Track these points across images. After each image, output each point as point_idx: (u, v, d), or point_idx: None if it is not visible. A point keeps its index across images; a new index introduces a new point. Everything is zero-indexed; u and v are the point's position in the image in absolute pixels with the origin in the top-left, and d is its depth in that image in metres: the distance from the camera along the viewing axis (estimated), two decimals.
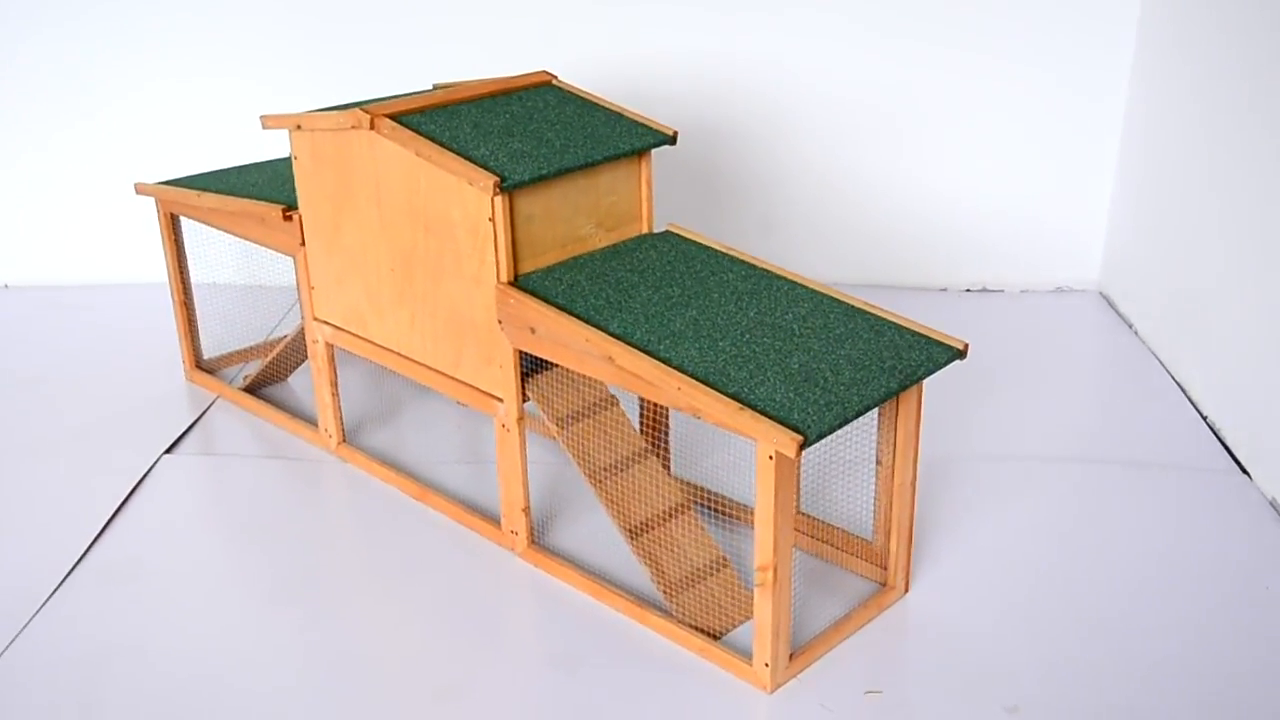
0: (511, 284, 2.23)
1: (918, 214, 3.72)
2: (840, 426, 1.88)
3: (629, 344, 2.04)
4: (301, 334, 2.89)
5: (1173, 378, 3.15)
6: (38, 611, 2.28)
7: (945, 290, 3.78)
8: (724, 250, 2.39)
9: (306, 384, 3.16)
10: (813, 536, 2.42)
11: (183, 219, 3.06)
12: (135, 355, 3.37)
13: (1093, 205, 3.67)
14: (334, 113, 2.39)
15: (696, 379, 1.96)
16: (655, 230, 2.48)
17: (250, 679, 2.11)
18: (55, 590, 2.34)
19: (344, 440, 2.82)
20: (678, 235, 2.45)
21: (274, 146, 3.42)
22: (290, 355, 3.03)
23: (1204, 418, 2.94)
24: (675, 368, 1.98)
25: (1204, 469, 2.71)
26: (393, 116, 2.30)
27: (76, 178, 3.85)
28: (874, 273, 3.76)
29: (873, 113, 3.62)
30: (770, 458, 1.88)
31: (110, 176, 3.81)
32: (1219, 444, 2.81)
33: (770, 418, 1.86)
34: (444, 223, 2.28)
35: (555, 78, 2.57)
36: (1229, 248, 2.90)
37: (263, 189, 2.86)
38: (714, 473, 2.67)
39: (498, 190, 2.13)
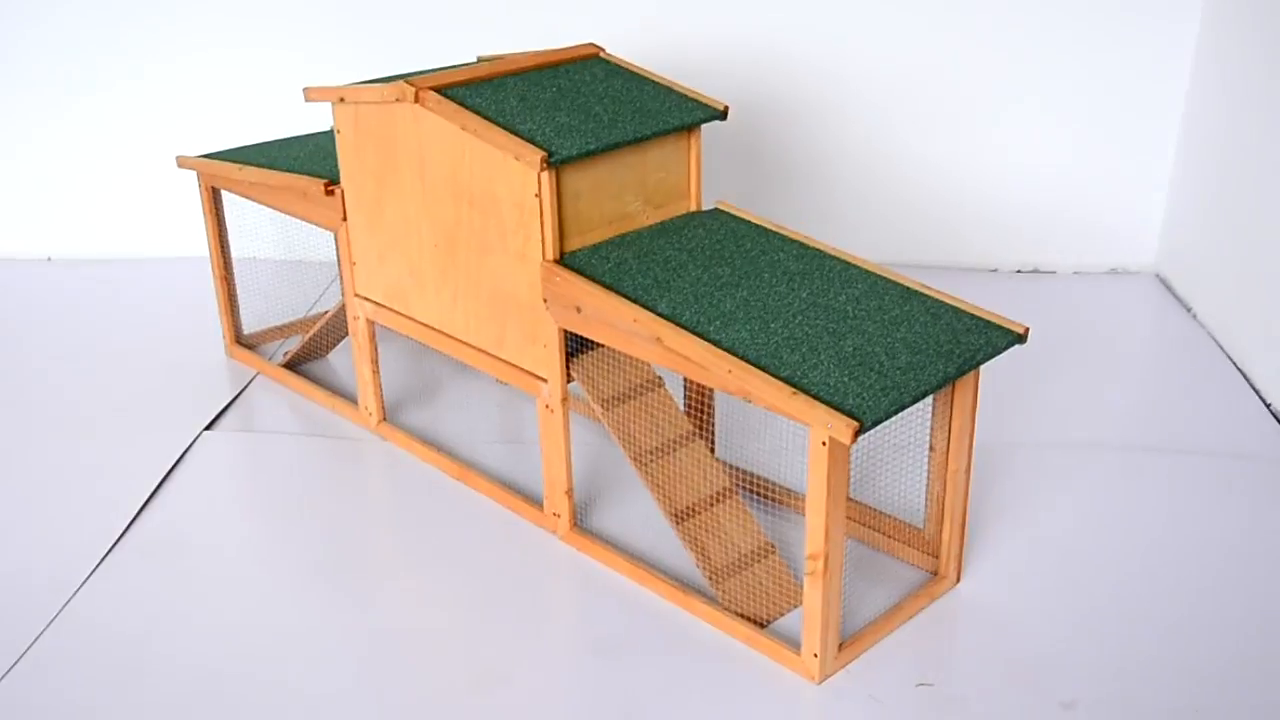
0: (557, 262, 2.18)
1: (968, 193, 3.64)
2: (897, 413, 1.82)
3: (678, 325, 1.99)
4: (342, 310, 2.85)
5: (1234, 363, 3.06)
6: (80, 588, 2.26)
7: (996, 271, 3.69)
8: (775, 229, 2.33)
9: (346, 361, 3.13)
10: (860, 523, 2.36)
11: (224, 192, 3.03)
12: (175, 330, 3.35)
13: (1150, 184, 3.57)
14: (378, 85, 2.34)
15: (748, 362, 1.90)
16: (704, 208, 2.42)
17: (289, 660, 2.08)
18: (97, 567, 2.33)
19: (384, 418, 2.78)
20: (727, 213, 2.39)
21: (316, 119, 3.38)
22: (330, 331, 2.99)
23: (1268, 405, 2.85)
24: (726, 350, 1.93)
25: (1269, 459, 2.63)
26: (437, 89, 2.25)
27: (118, 150, 3.83)
28: (923, 253, 3.68)
29: (924, 90, 3.54)
30: (823, 444, 1.82)
31: (152, 149, 3.78)
32: None
33: (824, 403, 1.80)
34: (489, 198, 2.23)
35: (602, 50, 2.51)
36: None
37: (304, 163, 2.82)
38: (759, 456, 2.62)
39: (545, 165, 2.08)
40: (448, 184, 2.30)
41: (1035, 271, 3.69)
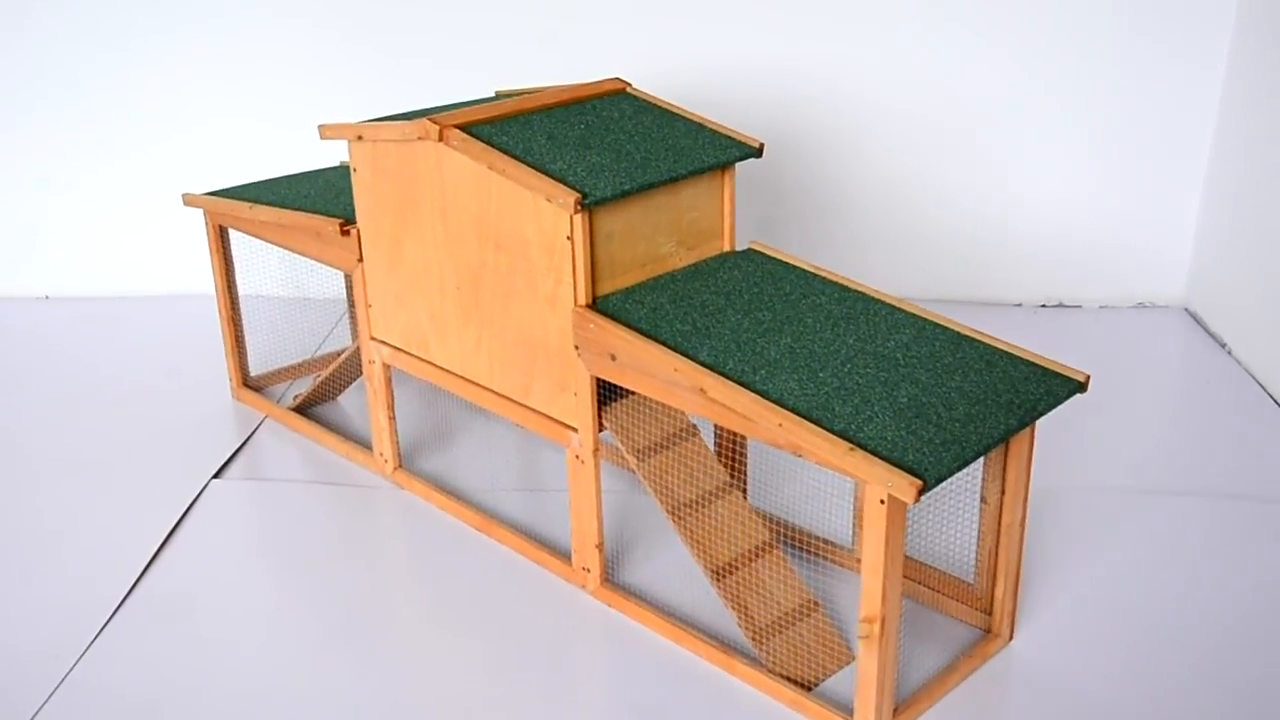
0: (590, 307, 2.08)
1: (991, 227, 3.55)
2: (960, 469, 1.72)
3: (722, 374, 1.89)
4: (356, 353, 2.75)
5: (1275, 401, 2.97)
6: (85, 651, 2.14)
7: (1020, 305, 3.60)
8: (813, 270, 2.24)
9: (356, 404, 3.02)
10: (906, 577, 2.26)
11: (232, 231, 2.93)
12: (179, 371, 3.24)
13: (1179, 216, 3.49)
14: (398, 123, 2.24)
15: (798, 414, 1.80)
16: (737, 248, 2.33)
17: None
18: (101, 630, 2.21)
19: (400, 465, 2.67)
20: (762, 254, 2.30)
21: (323, 155, 3.28)
22: (343, 374, 2.89)
23: None
24: (774, 401, 1.83)
25: None
26: (462, 127, 2.16)
27: (114, 184, 3.72)
28: (945, 287, 3.59)
29: (948, 123, 3.45)
30: (881, 502, 1.72)
31: (149, 183, 3.69)
32: None
33: (884, 459, 1.70)
34: (517, 240, 2.13)
35: (629, 85, 2.42)
36: None
37: (316, 201, 2.72)
38: (792, 503, 2.51)
39: (579, 207, 1.98)
40: (472, 225, 2.20)
41: (1060, 306, 3.60)
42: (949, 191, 3.53)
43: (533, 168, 2.06)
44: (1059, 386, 1.91)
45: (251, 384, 3.09)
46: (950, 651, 2.11)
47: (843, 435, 1.76)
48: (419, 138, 2.19)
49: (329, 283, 3.55)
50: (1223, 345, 3.29)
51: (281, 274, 3.48)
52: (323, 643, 2.17)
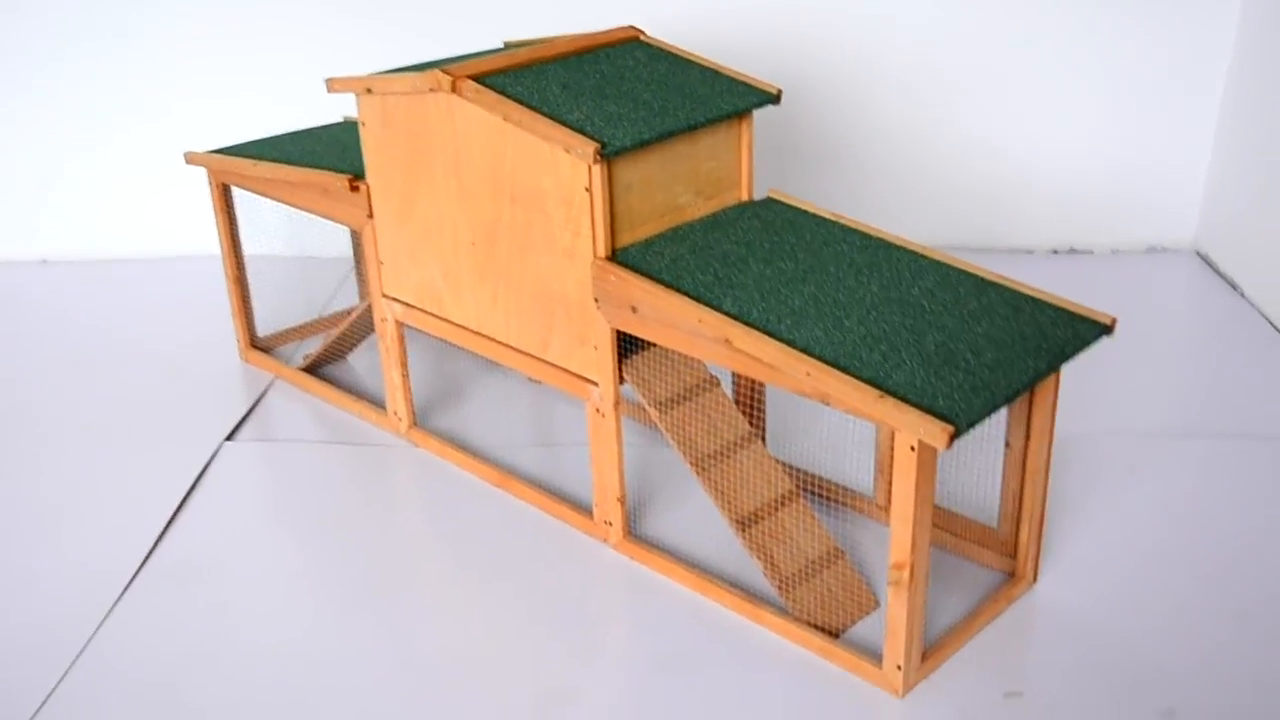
0: (609, 259, 2.05)
1: (1001, 173, 3.53)
2: (990, 414, 1.71)
3: (747, 324, 1.87)
4: (367, 311, 2.72)
5: None
6: (105, 618, 2.13)
7: (1031, 252, 3.59)
8: (834, 218, 2.21)
9: (366, 362, 3.00)
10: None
11: (235, 189, 2.90)
12: (183, 333, 3.22)
13: (1190, 160, 3.47)
14: (409, 75, 2.21)
15: (826, 362, 1.78)
16: (755, 197, 2.30)
17: (336, 687, 1.96)
18: (121, 596, 2.19)
19: (415, 423, 2.66)
20: (781, 202, 2.28)
21: (328, 111, 3.25)
22: (353, 333, 2.86)
23: None
24: (801, 350, 1.81)
25: None
26: (475, 78, 2.12)
27: (111, 144, 3.68)
28: (956, 234, 3.57)
29: (957, 71, 3.42)
30: (912, 449, 1.71)
31: (146, 143, 3.64)
32: None
33: (914, 405, 1.69)
34: (533, 193, 2.10)
35: (642, 33, 2.38)
36: None
37: (322, 157, 2.69)
38: (809, 452, 2.51)
39: (598, 157, 1.95)
40: (487, 178, 2.17)
41: (1072, 251, 3.59)
42: (960, 139, 3.49)
43: (549, 118, 2.03)
44: (1085, 330, 1.90)
45: (259, 345, 3.06)
46: (974, 596, 2.11)
47: (871, 383, 1.74)
48: (431, 90, 2.16)
49: (333, 240, 3.52)
50: (1234, 286, 3.28)
51: (285, 233, 3.45)
52: (345, 603, 2.16)
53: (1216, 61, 3.35)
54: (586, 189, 2.01)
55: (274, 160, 2.71)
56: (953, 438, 1.64)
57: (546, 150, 2.04)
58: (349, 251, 3.56)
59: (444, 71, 2.12)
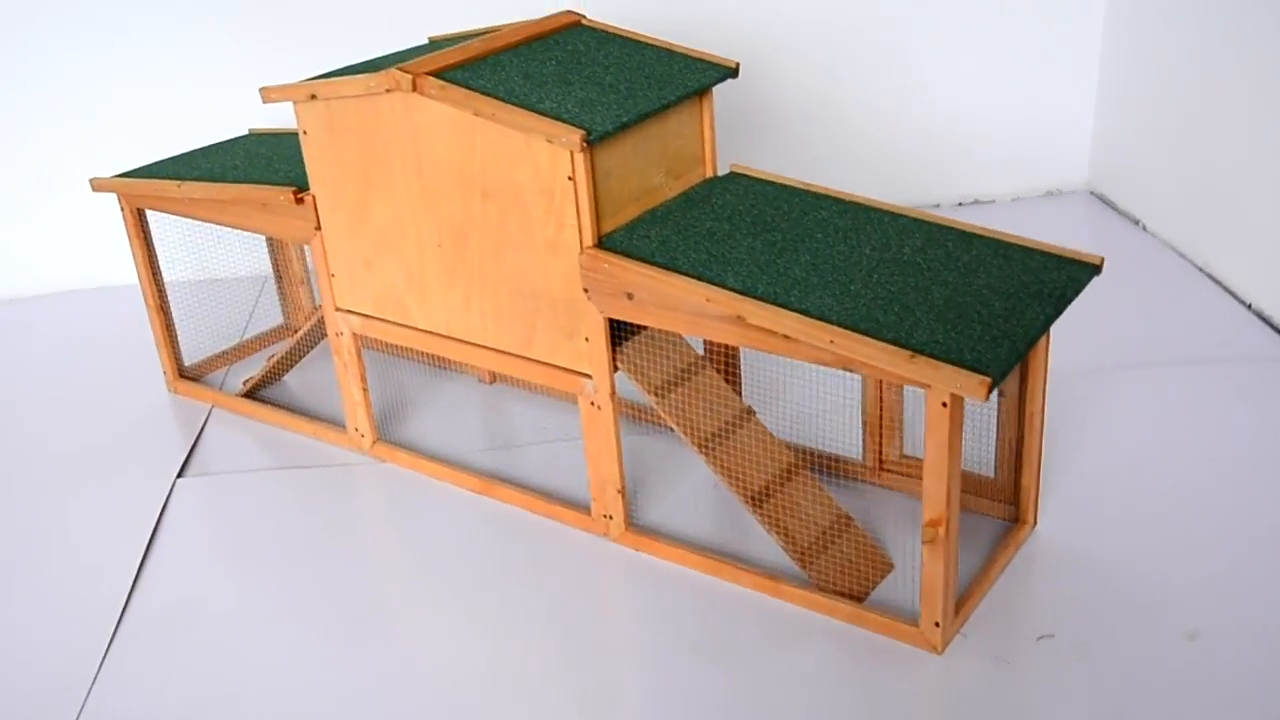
0: (596, 247, 2.01)
1: (902, 130, 3.59)
2: (1018, 361, 1.73)
3: (758, 299, 1.85)
4: (316, 327, 2.62)
5: (1201, 270, 3.10)
6: (97, 674, 2.00)
7: (939, 206, 3.67)
8: (804, 187, 2.22)
9: (302, 381, 2.88)
10: (920, 478, 2.28)
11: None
12: (100, 369, 3.04)
13: (1077, 103, 3.59)
14: (359, 76, 2.12)
15: (846, 328, 1.78)
16: (719, 173, 2.29)
17: None
18: (109, 647, 2.07)
19: (378, 439, 2.57)
20: (747, 176, 2.27)
21: (214, 129, 3.11)
22: (296, 352, 2.75)
23: (1248, 306, 2.89)
24: (818, 319, 1.81)
25: (1272, 358, 2.66)
26: (433, 74, 2.05)
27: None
28: (866, 193, 3.60)
29: (851, 30, 3.46)
30: (944, 404, 1.73)
31: (19, 175, 3.43)
32: (1274, 331, 2.77)
33: (946, 361, 1.70)
34: (508, 187, 2.04)
35: (584, 16, 2.34)
36: (1242, 128, 2.84)
37: (246, 172, 2.57)
38: (787, 424, 2.51)
39: (584, 145, 1.91)
40: (453, 176, 2.11)
41: (976, 203, 3.68)
42: (859, 101, 3.54)
43: (523, 108, 1.97)
44: (1078, 272, 1.94)
45: (187, 374, 2.91)
46: (982, 546, 2.15)
47: (896, 343, 1.75)
48: (387, 90, 2.08)
49: (240, 260, 3.37)
50: (1136, 222, 3.41)
51: (187, 256, 3.29)
52: (350, 633, 2.07)
53: (1094, 6, 3.47)
54: (570, 178, 1.96)
55: (194, 179, 2.58)
56: (990, 389, 1.66)
57: (522, 142, 1.98)
58: (258, 271, 3.42)
59: (402, 69, 2.04)
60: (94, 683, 1.99)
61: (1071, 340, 2.80)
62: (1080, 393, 2.58)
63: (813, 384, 2.56)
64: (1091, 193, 3.67)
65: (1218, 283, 3.02)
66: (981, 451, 2.24)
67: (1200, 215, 3.09)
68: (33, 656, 2.06)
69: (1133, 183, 3.44)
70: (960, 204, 3.67)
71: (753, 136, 3.54)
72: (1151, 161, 3.32)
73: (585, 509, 2.28)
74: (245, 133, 3.00)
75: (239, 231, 3.05)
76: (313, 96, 2.20)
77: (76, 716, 1.92)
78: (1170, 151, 3.22)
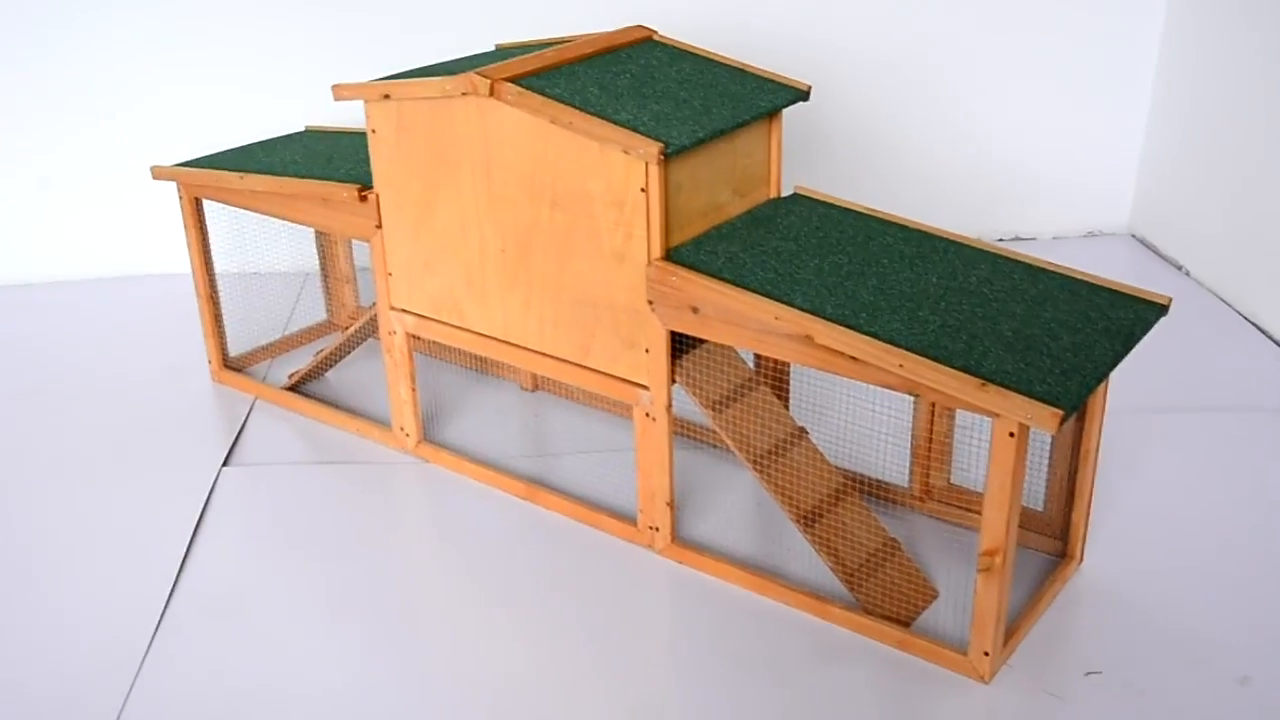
0: (665, 260, 2.02)
1: (946, 164, 3.61)
2: (1087, 396, 1.74)
3: (827, 319, 1.86)
4: (368, 324, 2.63)
5: (1248, 319, 3.11)
6: (143, 660, 2.00)
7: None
8: (868, 211, 2.23)
9: (344, 377, 2.89)
10: (967, 509, 2.29)
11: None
12: (144, 357, 3.05)
13: (1123, 145, 3.61)
14: (435, 79, 2.14)
15: (915, 353, 1.79)
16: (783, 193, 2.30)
17: None
18: (155, 632, 2.07)
19: (423, 439, 2.58)
20: (810, 198, 2.28)
21: (275, 122, 3.13)
22: (345, 348, 2.76)
23: None
24: (887, 342, 1.81)
25: None
26: (511, 80, 2.06)
27: (50, 166, 3.47)
28: None
29: (902, 63, 3.48)
30: (1010, 435, 1.73)
31: (82, 161, 3.45)
32: None
33: (1017, 391, 1.71)
34: (578, 195, 2.06)
35: (655, 32, 2.36)
36: None
37: (306, 167, 2.58)
38: (824, 445, 2.51)
39: (662, 158, 1.92)
40: (523, 183, 2.12)
41: (1016, 239, 3.69)
42: (908, 135, 3.56)
43: (600, 118, 1.98)
44: (1146, 311, 1.95)
45: (231, 365, 2.92)
46: (1029, 579, 2.15)
47: (965, 371, 1.76)
48: (464, 93, 2.09)
49: (281, 255, 3.38)
50: (1179, 267, 3.42)
51: (232, 249, 3.31)
52: (397, 632, 2.07)
53: (1146, 51, 3.49)
54: (643, 189, 1.97)
55: (254, 172, 2.60)
56: (1062, 421, 1.67)
57: (596, 151, 2.00)
58: (300, 266, 3.43)
59: (480, 74, 2.06)
60: (140, 667, 1.99)
61: (1115, 379, 2.81)
62: (1124, 432, 2.59)
63: (859, 406, 2.56)
64: (1133, 235, 3.68)
65: (1263, 331, 3.03)
66: (1030, 485, 2.24)
67: (1247, 263, 3.10)
68: (81, 639, 2.06)
69: (1176, 227, 3.45)
70: (1000, 240, 3.68)
71: (796, 162, 3.55)
72: (1197, 206, 3.33)
73: (629, 519, 2.29)
74: (302, 129, 3.02)
75: (283, 226, 3.08)
76: (386, 96, 2.22)
77: (124, 699, 1.92)
78: (1217, 197, 3.23)
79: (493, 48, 2.65)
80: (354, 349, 2.81)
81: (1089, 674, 1.94)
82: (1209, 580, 2.14)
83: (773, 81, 2.23)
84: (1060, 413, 1.67)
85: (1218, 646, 1.98)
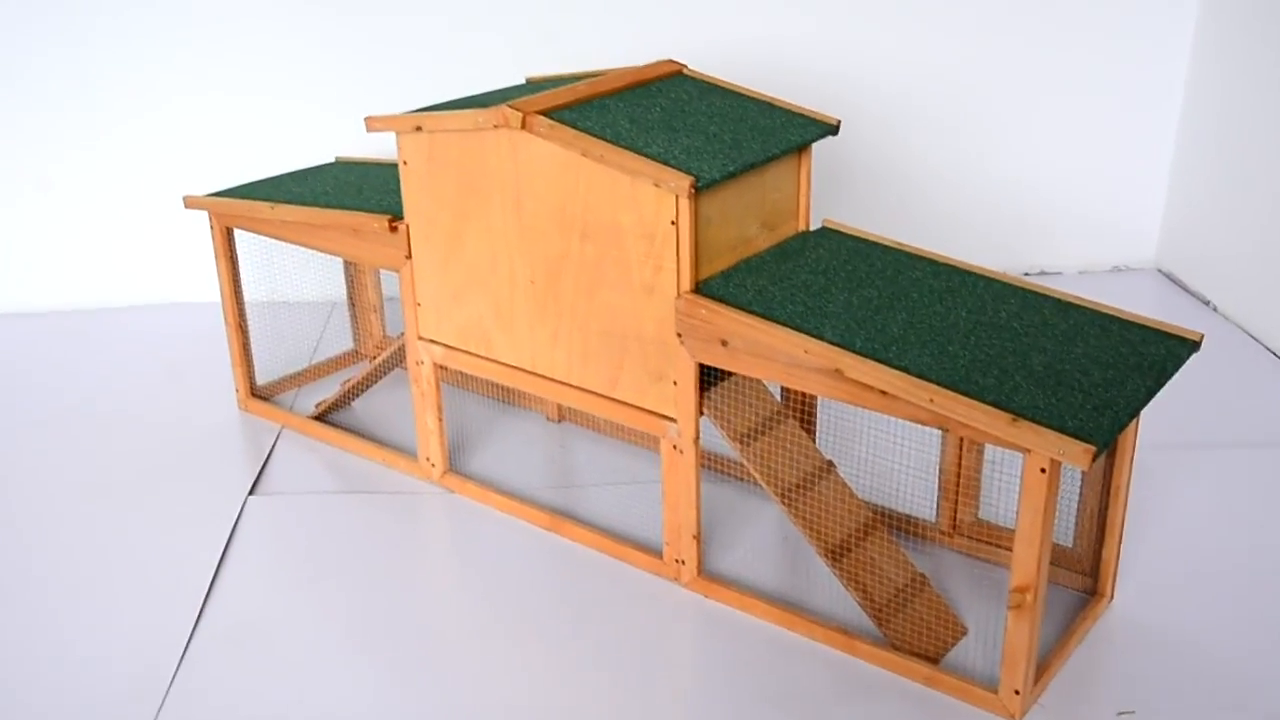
0: (694, 293, 2.03)
1: (972, 198, 3.61)
2: (1119, 432, 1.73)
3: (857, 353, 1.86)
4: (395, 355, 2.64)
5: (1273, 353, 3.09)
6: (169, 689, 2.00)
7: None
8: (897, 245, 2.23)
9: (368, 406, 2.90)
10: (996, 544, 2.28)
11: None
12: (170, 385, 3.07)
13: (1150, 181, 3.60)
14: (468, 111, 2.15)
15: (946, 388, 1.79)
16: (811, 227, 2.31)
17: None
18: (180, 662, 2.07)
19: (449, 469, 2.58)
20: (839, 232, 2.28)
21: (299, 154, 3.15)
22: (372, 378, 2.77)
23: None
24: (917, 377, 1.81)
25: None
26: (543, 113, 2.08)
27: (80, 193, 3.50)
28: None
29: (928, 98, 3.49)
30: (1042, 470, 1.72)
31: (115, 190, 3.48)
32: None
33: (1048, 427, 1.70)
34: (608, 228, 2.06)
35: (684, 66, 2.37)
36: None
37: (337, 198, 2.60)
38: (850, 479, 2.50)
39: (692, 191, 1.93)
40: (552, 215, 2.13)
41: (1042, 274, 3.69)
42: (931, 167, 3.57)
43: (631, 151, 1.99)
44: (1177, 347, 1.94)
45: (258, 393, 2.94)
46: (1058, 616, 2.13)
47: (996, 406, 1.75)
48: (495, 126, 2.11)
49: (308, 284, 3.40)
50: (1206, 302, 3.41)
51: (258, 280, 3.33)
52: (419, 661, 2.07)
53: (1172, 85, 3.49)
54: (673, 222, 1.98)
55: (285, 202, 2.62)
56: (1094, 457, 1.66)
57: (626, 184, 2.00)
58: (326, 296, 3.45)
59: (512, 107, 2.07)
60: (165, 696, 1.99)
61: (1145, 415, 2.79)
62: (1154, 468, 2.57)
63: (885, 440, 2.55)
64: (1159, 270, 3.67)
65: None
66: (1060, 520, 2.23)
67: (1275, 298, 3.09)
68: (106, 668, 2.06)
69: (1204, 263, 3.44)
70: (1026, 274, 3.67)
71: (824, 195, 3.56)
72: (1224, 241, 3.32)
73: (655, 552, 2.28)
74: (332, 160, 3.04)
75: (311, 255, 3.10)
76: (418, 128, 2.23)
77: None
78: (1244, 232, 3.22)
79: (522, 81, 2.67)
80: (381, 378, 2.82)
81: (1121, 714, 1.92)
82: (1242, 618, 2.12)
83: (802, 116, 2.24)
84: (1093, 448, 1.66)
85: (1252, 686, 1.96)
